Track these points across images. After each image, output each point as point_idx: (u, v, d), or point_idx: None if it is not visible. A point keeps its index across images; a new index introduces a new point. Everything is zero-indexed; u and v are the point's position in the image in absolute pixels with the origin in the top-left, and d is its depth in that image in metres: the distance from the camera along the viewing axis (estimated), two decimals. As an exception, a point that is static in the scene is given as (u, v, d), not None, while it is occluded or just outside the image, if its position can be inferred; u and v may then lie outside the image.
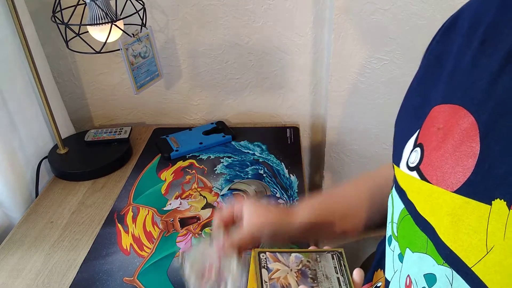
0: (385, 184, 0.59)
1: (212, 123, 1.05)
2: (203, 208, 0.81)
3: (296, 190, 0.84)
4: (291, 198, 0.82)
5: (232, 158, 0.94)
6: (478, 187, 0.31)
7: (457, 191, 0.32)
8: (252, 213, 0.55)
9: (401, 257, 0.40)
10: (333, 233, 0.59)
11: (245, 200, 0.57)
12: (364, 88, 0.96)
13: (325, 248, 0.54)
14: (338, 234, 0.58)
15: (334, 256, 0.52)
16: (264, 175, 0.88)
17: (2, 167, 0.81)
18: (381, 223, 0.58)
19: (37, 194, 0.90)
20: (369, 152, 1.06)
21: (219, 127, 1.04)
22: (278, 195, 0.83)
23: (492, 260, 0.29)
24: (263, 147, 0.98)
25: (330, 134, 1.05)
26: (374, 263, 0.55)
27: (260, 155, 0.95)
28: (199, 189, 0.86)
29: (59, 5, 0.79)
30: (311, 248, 0.56)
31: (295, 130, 1.05)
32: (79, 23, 0.80)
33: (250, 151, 0.97)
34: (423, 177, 0.36)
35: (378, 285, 0.51)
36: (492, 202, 0.29)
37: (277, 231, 0.55)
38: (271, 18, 0.94)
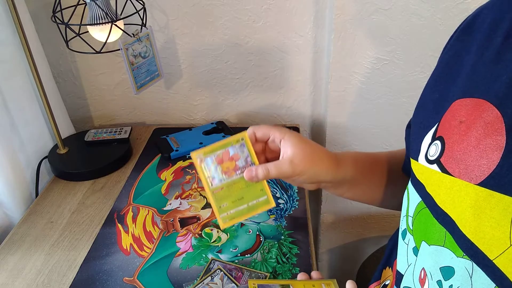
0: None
1: (212, 123, 1.05)
2: (203, 208, 0.81)
3: (296, 190, 0.84)
4: (291, 198, 0.82)
5: (232, 158, 0.94)
6: (504, 180, 0.31)
7: (481, 184, 0.32)
8: (298, 154, 0.48)
9: (415, 250, 0.40)
10: (361, 189, 0.57)
11: (289, 132, 0.50)
12: (364, 88, 0.96)
13: (315, 279, 0.54)
14: (363, 192, 0.58)
15: (323, 285, 0.53)
16: (264, 175, 0.88)
17: (2, 167, 0.81)
18: (395, 203, 0.57)
19: (37, 194, 0.90)
20: (369, 152, 1.06)
21: (219, 127, 1.04)
22: (278, 195, 0.83)
23: None
24: (263, 147, 0.98)
25: (330, 134, 1.05)
26: (383, 260, 0.55)
27: (260, 155, 0.95)
28: (199, 189, 0.86)
29: (59, 5, 0.79)
30: (302, 278, 0.55)
31: (295, 130, 1.05)
32: (79, 23, 0.80)
33: (250, 151, 0.97)
34: (444, 170, 0.36)
35: (386, 283, 0.51)
36: None
37: (314, 180, 0.51)
38: (271, 18, 0.94)
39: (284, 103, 1.08)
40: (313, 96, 1.06)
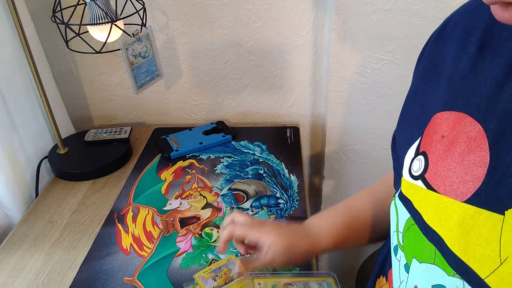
0: (386, 201, 0.59)
1: (212, 123, 1.05)
2: (203, 208, 0.81)
3: (296, 190, 0.84)
4: (291, 198, 0.82)
5: (232, 158, 0.94)
6: (490, 197, 0.30)
7: (468, 201, 0.31)
8: (279, 255, 0.54)
9: (407, 267, 0.39)
10: (341, 248, 0.60)
11: (268, 238, 0.55)
12: (364, 88, 0.96)
13: (315, 272, 0.57)
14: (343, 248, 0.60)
15: (324, 283, 0.55)
16: (264, 175, 0.88)
17: (2, 167, 0.81)
18: (381, 238, 0.58)
19: (37, 194, 0.90)
20: (369, 152, 1.06)
21: (219, 127, 1.04)
22: (278, 195, 0.83)
23: (506, 271, 0.28)
24: (263, 147, 0.98)
25: (330, 134, 1.05)
26: (376, 269, 0.54)
27: (260, 155, 0.95)
28: (199, 189, 0.86)
29: (59, 5, 0.79)
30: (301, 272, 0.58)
31: (295, 130, 1.05)
32: (79, 23, 0.80)
33: (250, 151, 0.97)
34: (429, 186, 0.35)
35: None
36: (505, 212, 0.29)
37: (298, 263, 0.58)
38: (271, 18, 0.94)
39: (284, 103, 1.08)
40: (313, 96, 1.06)
